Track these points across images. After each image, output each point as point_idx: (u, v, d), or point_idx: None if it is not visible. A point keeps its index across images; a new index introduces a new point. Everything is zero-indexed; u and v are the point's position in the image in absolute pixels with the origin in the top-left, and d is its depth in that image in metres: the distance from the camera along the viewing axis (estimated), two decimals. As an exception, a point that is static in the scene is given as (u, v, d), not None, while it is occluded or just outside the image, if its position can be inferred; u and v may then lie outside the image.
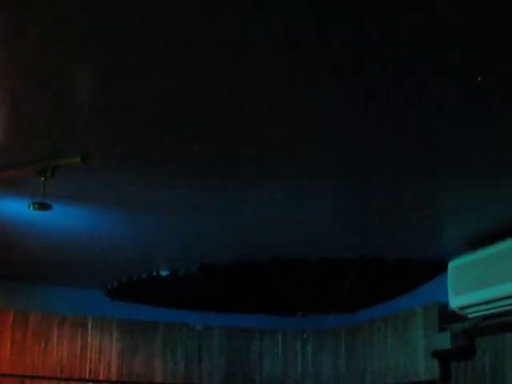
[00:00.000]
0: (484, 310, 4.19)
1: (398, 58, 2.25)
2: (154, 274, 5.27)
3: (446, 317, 4.58)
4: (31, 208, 3.48)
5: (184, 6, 1.99)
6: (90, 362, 5.68)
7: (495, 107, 2.59)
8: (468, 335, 4.46)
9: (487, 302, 4.12)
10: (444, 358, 4.65)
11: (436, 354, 4.67)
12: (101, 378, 5.69)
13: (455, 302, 4.35)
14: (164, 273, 5.25)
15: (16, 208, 3.80)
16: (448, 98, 2.53)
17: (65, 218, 4.06)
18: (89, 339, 5.72)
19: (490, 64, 2.27)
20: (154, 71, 2.39)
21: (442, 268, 4.51)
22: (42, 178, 3.29)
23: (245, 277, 5.31)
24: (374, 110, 2.67)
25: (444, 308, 4.57)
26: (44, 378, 5.55)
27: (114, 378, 5.71)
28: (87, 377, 5.65)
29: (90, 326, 5.74)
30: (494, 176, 3.32)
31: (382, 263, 4.78)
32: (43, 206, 3.46)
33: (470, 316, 4.34)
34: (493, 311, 4.14)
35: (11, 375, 5.48)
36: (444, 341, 4.57)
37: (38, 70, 2.42)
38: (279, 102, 2.61)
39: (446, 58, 2.24)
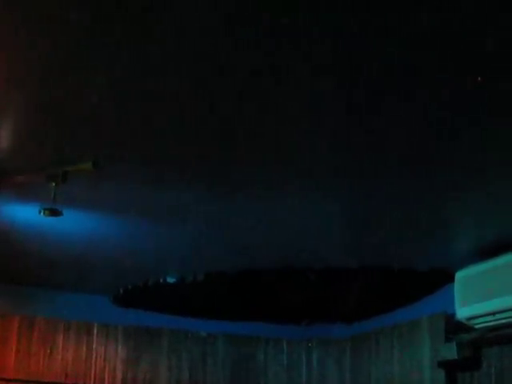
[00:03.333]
0: (491, 321, 4.18)
1: (404, 58, 2.25)
2: (161, 281, 5.27)
3: (453, 327, 4.57)
4: (42, 214, 3.46)
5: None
6: (95, 368, 5.68)
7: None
8: (474, 346, 4.46)
9: (494, 313, 4.12)
10: (450, 368, 4.64)
11: (442, 365, 4.66)
12: (105, 384, 5.70)
13: (462, 312, 4.34)
14: (171, 280, 5.25)
15: (26, 214, 3.80)
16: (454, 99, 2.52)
17: (74, 224, 4.06)
18: (94, 345, 5.72)
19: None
20: (152, 71, 2.39)
21: (449, 278, 4.51)
22: (53, 184, 3.28)
23: (250, 285, 5.31)
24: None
25: (450, 318, 4.56)
26: (49, 383, 5.56)
27: (118, 384, 5.72)
28: (92, 383, 5.65)
29: (95, 332, 5.74)
30: (502, 186, 3.33)
31: (388, 273, 4.78)
32: (54, 212, 3.44)
33: (477, 327, 4.33)
34: (500, 322, 4.13)
35: (16, 380, 5.48)
36: (450, 351, 4.56)
37: (48, 75, 2.42)
38: (278, 100, 2.58)
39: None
